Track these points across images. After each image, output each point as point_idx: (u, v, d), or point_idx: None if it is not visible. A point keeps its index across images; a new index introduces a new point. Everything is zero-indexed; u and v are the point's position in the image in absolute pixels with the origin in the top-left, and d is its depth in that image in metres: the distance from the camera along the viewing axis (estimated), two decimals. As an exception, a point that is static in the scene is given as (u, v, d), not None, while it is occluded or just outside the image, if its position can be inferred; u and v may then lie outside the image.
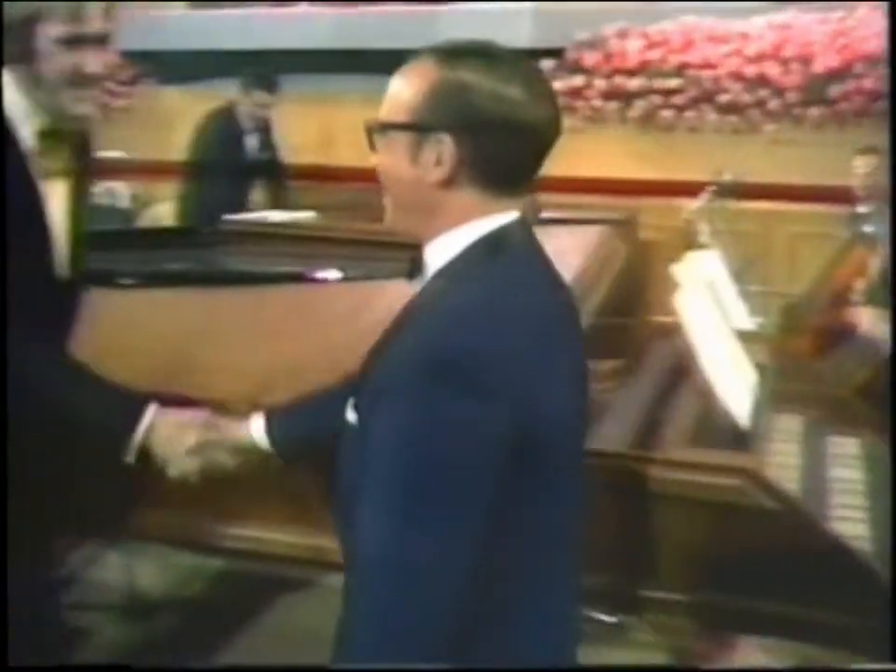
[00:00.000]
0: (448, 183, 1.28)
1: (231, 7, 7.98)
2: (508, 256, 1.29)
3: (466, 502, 1.18)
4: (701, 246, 3.30)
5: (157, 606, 2.97)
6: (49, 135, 1.88)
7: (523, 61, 1.31)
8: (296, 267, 2.69)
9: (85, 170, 2.01)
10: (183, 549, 2.39)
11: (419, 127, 1.27)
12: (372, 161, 1.35)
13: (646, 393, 2.36)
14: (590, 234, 2.72)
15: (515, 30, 6.38)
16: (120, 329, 2.22)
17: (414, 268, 1.37)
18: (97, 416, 1.83)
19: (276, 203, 4.75)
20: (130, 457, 1.79)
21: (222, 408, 1.94)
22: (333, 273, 2.57)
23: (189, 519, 2.13)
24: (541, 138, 1.29)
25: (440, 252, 1.31)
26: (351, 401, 1.33)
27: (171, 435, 1.79)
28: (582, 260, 2.43)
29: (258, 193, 4.94)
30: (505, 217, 1.31)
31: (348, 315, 2.29)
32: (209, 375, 2.06)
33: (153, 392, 1.86)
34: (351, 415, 1.32)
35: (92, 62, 1.82)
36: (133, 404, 1.82)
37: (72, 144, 1.94)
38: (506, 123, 1.26)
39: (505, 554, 1.24)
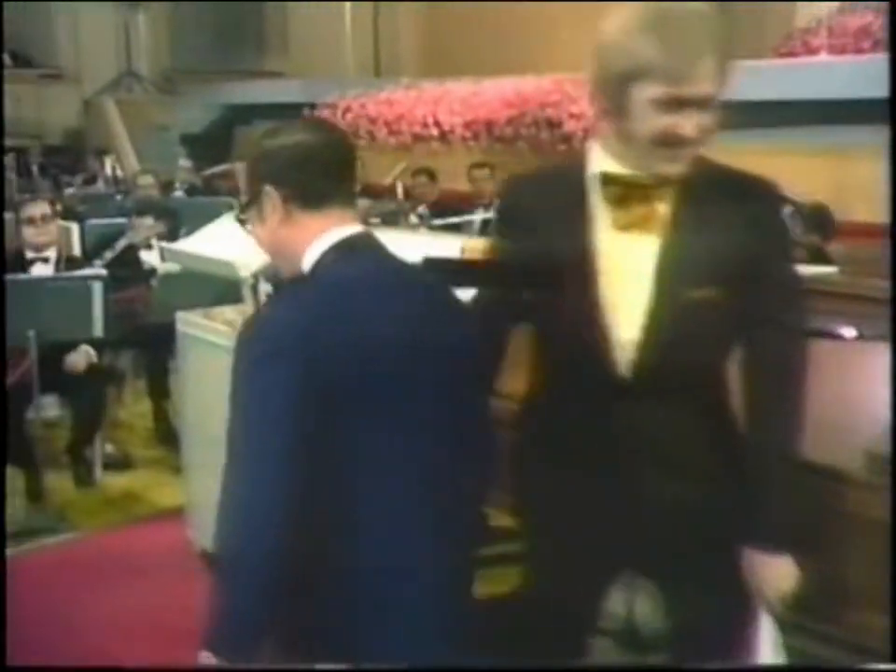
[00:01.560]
0: (286, 220, 1.73)
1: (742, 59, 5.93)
2: (354, 255, 1.72)
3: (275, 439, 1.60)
4: None
5: (650, 643, 2.90)
6: (627, 184, 1.80)
7: (301, 119, 1.79)
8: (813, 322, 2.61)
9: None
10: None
11: (253, 196, 1.75)
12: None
13: None
14: None
15: None
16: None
17: None
18: None
19: (816, 259, 4.61)
20: None
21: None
22: (849, 331, 2.57)
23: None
24: (334, 160, 1.74)
25: (307, 265, 1.73)
26: None
27: None
28: None
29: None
30: (348, 229, 1.73)
31: (874, 376, 2.30)
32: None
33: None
34: None
35: (689, 125, 1.72)
36: None
37: (665, 196, 1.81)
38: (301, 160, 1.71)
39: (335, 476, 1.64)
